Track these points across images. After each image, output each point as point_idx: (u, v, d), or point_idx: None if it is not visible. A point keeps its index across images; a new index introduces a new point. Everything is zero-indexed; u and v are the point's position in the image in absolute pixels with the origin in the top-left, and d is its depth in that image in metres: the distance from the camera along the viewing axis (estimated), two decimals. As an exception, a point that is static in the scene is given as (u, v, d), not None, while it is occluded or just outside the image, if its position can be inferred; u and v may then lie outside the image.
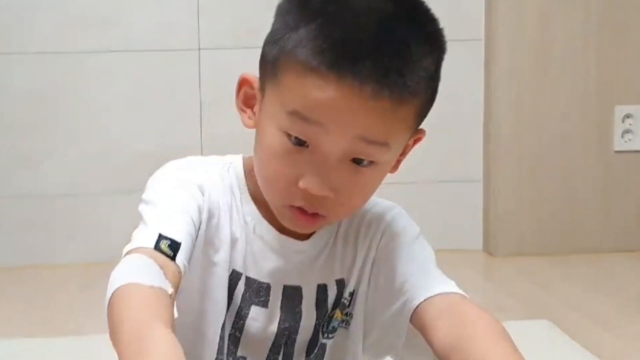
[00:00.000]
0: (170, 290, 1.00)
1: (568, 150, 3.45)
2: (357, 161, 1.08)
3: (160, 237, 1.07)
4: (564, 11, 3.40)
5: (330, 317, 1.21)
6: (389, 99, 1.05)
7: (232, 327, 1.18)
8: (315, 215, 1.12)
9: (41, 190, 3.45)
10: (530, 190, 3.46)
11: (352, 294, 1.21)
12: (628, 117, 3.46)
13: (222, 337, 1.17)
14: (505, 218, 3.43)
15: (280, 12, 1.13)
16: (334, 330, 1.21)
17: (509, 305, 2.74)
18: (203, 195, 1.16)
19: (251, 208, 1.20)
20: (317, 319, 1.21)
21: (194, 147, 3.25)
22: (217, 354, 1.16)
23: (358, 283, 1.21)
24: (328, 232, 1.21)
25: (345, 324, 1.22)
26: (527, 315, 2.64)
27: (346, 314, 1.21)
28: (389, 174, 1.16)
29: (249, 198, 1.20)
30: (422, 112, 1.14)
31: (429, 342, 1.12)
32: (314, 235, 1.21)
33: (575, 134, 3.45)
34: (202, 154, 2.71)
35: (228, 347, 1.18)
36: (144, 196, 1.16)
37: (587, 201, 3.47)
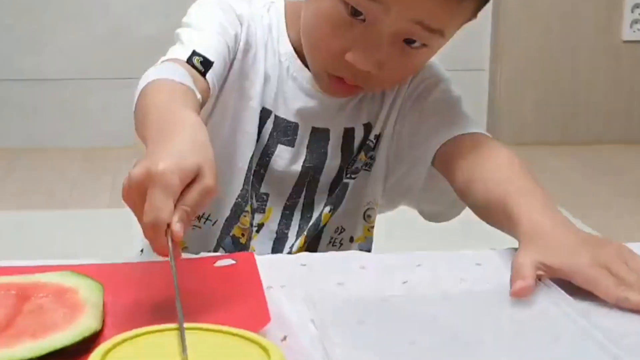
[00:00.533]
0: (199, 96, 1.02)
1: (575, 40, 3.43)
2: (408, 41, 1.07)
3: (194, 53, 1.09)
4: None
5: (355, 159, 1.23)
6: None
7: (257, 164, 1.20)
8: (354, 86, 1.12)
9: (44, 74, 3.43)
10: (535, 80, 3.45)
11: (377, 137, 1.23)
12: (637, 6, 3.43)
13: (249, 169, 1.19)
14: (509, 107, 3.43)
15: None
16: (357, 171, 1.23)
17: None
18: (242, 25, 1.17)
19: (287, 49, 1.20)
20: (342, 161, 1.23)
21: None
22: (244, 184, 1.19)
23: (384, 126, 1.22)
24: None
25: (368, 167, 1.24)
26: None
27: (370, 157, 1.23)
28: None
29: (287, 40, 1.20)
30: (481, 6, 1.13)
31: (450, 181, 1.14)
32: None
33: (583, 24, 3.43)
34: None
35: (252, 184, 1.20)
36: (183, 19, 1.18)
37: (592, 91, 3.47)
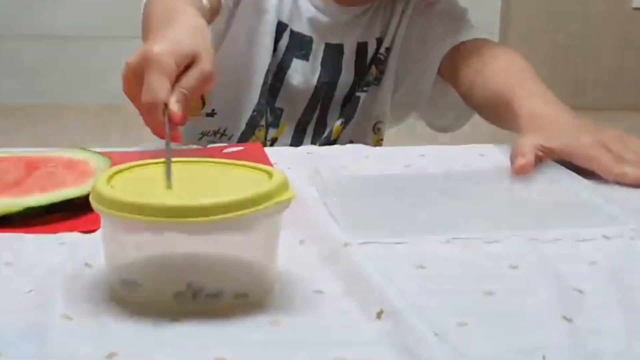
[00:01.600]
0: (205, 1, 1.03)
1: (585, 6, 3.42)
2: None
3: None
4: None
5: (367, 73, 1.24)
6: None
7: (273, 78, 1.21)
8: None
9: (52, 30, 3.44)
10: (545, 45, 3.45)
11: (387, 50, 1.24)
12: (648, -27, 3.43)
13: (265, 83, 1.20)
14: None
15: None
16: (369, 84, 1.24)
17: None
18: None
19: None
20: (355, 75, 1.24)
21: None
22: (260, 98, 1.20)
23: (393, 39, 1.24)
24: None
25: (377, 80, 1.25)
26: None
27: (380, 70, 1.24)
28: None
29: None
30: None
31: (455, 87, 1.16)
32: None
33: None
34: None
35: (267, 98, 1.22)
36: None
37: (602, 58, 3.47)
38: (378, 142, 1.28)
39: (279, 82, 1.23)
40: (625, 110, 3.45)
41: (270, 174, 0.61)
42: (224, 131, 1.24)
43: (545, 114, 0.97)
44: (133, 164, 0.63)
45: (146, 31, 0.97)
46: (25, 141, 3.14)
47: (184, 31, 0.87)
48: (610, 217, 0.75)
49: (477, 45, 1.17)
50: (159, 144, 0.91)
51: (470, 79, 1.13)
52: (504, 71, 1.10)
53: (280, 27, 1.22)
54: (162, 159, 0.63)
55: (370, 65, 1.25)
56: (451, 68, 1.18)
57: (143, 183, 0.61)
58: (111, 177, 0.61)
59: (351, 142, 1.26)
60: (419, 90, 1.25)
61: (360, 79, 1.25)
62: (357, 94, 1.25)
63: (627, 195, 0.84)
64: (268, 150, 0.98)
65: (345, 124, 1.25)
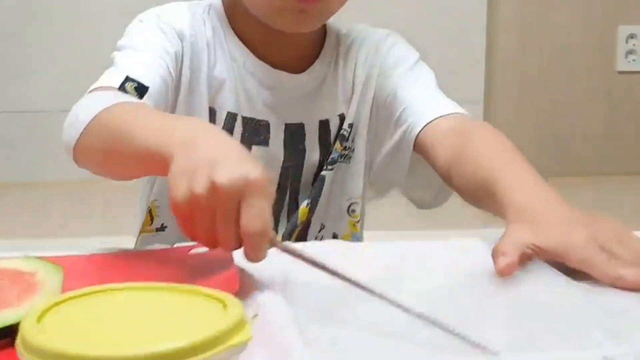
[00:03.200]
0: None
1: (570, 71, 3.40)
2: None
3: (127, 78, 1.02)
4: None
5: (331, 150, 1.18)
6: None
7: None
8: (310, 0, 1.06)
9: (31, 105, 3.39)
10: (531, 111, 3.42)
11: (351, 126, 1.18)
12: (632, 37, 3.41)
13: None
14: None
15: None
16: (334, 162, 1.18)
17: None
18: (182, 41, 1.11)
19: (238, 45, 1.15)
20: (320, 155, 1.18)
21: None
22: None
23: (358, 114, 1.18)
24: (325, 63, 1.18)
25: (346, 158, 1.19)
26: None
27: (345, 147, 1.18)
28: None
29: (234, 36, 1.15)
30: None
31: (433, 165, 1.10)
32: (310, 68, 1.17)
33: (577, 54, 3.40)
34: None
35: None
36: (119, 42, 1.11)
37: (589, 123, 3.43)
38: (354, 226, 1.21)
39: None
40: (612, 175, 3.41)
41: (225, 305, 0.53)
42: None
43: (534, 206, 0.89)
44: (69, 296, 0.56)
45: (125, 147, 0.87)
46: (1, 220, 3.07)
47: (236, 150, 0.79)
48: (610, 333, 0.68)
49: (454, 124, 1.10)
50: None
51: (449, 160, 1.06)
52: (486, 152, 1.02)
53: (230, 118, 1.14)
54: (102, 287, 0.56)
55: (334, 143, 1.19)
56: (427, 147, 1.11)
57: (79, 320, 0.53)
58: (46, 311, 0.53)
59: (323, 226, 1.19)
60: (395, 166, 1.18)
61: (326, 158, 1.19)
62: (323, 173, 1.18)
63: (626, 301, 0.77)
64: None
65: (311, 205, 1.18)
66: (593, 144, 3.44)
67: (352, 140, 1.20)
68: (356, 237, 1.23)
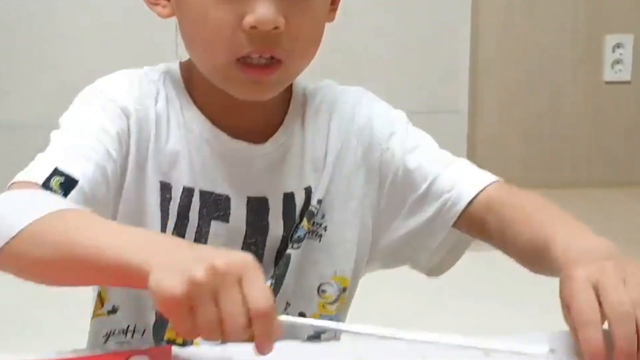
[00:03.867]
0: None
1: (556, 81, 3.38)
2: None
3: (55, 171, 0.97)
4: None
5: (297, 227, 1.10)
6: None
7: None
8: (269, 65, 1.01)
9: (10, 121, 3.36)
10: (516, 122, 3.40)
11: (320, 202, 1.11)
12: (619, 46, 3.38)
13: None
14: (490, 150, 3.37)
15: None
16: (300, 240, 1.10)
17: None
18: (128, 118, 1.05)
19: (196, 114, 1.08)
20: (284, 231, 1.10)
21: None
22: None
23: (330, 189, 1.11)
24: (290, 130, 1.11)
25: (315, 235, 1.12)
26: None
27: (314, 223, 1.11)
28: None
29: (192, 105, 1.09)
30: None
31: (479, 236, 1.09)
32: (272, 137, 1.10)
33: (563, 64, 3.38)
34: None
35: None
36: (60, 119, 1.06)
37: (575, 133, 3.41)
38: (324, 307, 1.14)
39: None
40: (598, 186, 3.39)
41: None
42: (134, 328, 1.09)
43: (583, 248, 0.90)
44: None
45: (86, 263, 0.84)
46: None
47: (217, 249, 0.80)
48: None
49: (496, 197, 1.09)
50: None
51: (500, 230, 1.05)
52: (538, 215, 1.02)
53: (187, 193, 1.07)
54: None
55: (300, 219, 1.11)
56: (475, 220, 1.09)
57: None
58: None
59: (288, 304, 1.12)
60: (420, 243, 1.14)
61: (291, 234, 1.11)
62: (288, 251, 1.11)
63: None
64: (182, 352, 0.86)
65: (276, 285, 1.10)
66: (580, 155, 3.42)
67: (323, 217, 1.12)
68: (329, 319, 1.14)
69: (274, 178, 1.10)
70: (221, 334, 0.73)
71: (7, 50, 3.31)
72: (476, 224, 1.09)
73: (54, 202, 0.92)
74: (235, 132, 1.09)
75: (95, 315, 1.13)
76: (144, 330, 1.09)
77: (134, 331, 1.09)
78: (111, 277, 0.85)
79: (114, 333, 1.10)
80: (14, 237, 0.87)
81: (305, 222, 1.11)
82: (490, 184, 1.10)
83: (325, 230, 1.12)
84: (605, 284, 0.81)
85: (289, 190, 1.11)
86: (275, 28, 0.98)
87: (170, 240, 0.82)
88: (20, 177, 0.98)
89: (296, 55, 1.03)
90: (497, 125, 3.40)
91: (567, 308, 0.83)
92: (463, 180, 1.10)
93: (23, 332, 2.32)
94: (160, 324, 1.08)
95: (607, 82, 3.40)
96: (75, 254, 0.84)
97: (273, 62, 1.01)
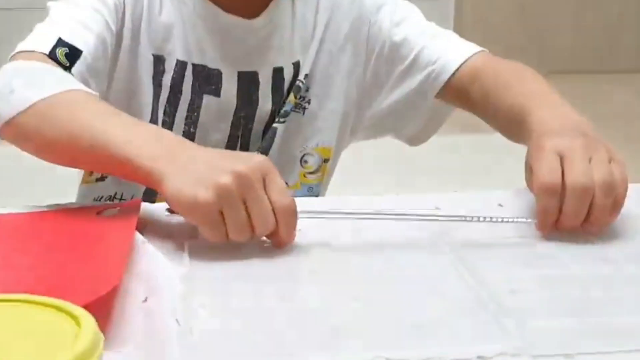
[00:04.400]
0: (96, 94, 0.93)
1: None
2: None
3: (59, 42, 0.97)
4: None
5: (284, 102, 1.12)
6: None
7: (185, 123, 1.10)
8: None
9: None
10: (500, 10, 3.40)
11: (307, 76, 1.13)
12: None
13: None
14: (478, 33, 3.37)
15: None
16: (287, 114, 1.13)
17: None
18: None
19: None
20: (272, 105, 1.12)
21: None
22: None
23: (316, 64, 1.13)
24: (281, 5, 1.11)
25: (299, 108, 1.14)
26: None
27: (301, 97, 1.13)
28: None
29: None
30: None
31: (463, 107, 1.13)
32: (264, 12, 1.11)
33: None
34: None
35: None
36: None
37: (558, 20, 3.42)
38: (305, 176, 1.18)
39: (192, 125, 1.11)
40: (582, 73, 3.42)
41: (79, 322, 0.51)
42: (121, 196, 1.12)
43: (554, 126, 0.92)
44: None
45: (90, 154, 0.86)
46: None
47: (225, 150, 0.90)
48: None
49: (479, 67, 1.11)
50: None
51: (482, 95, 1.07)
52: (517, 86, 1.05)
53: (180, 66, 1.09)
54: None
55: (288, 93, 1.14)
56: (459, 90, 1.12)
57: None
58: None
59: None
60: (406, 113, 1.17)
61: (279, 109, 1.14)
62: (275, 125, 1.14)
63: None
64: (149, 208, 0.89)
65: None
66: (563, 42, 3.43)
67: (307, 90, 1.15)
68: (309, 187, 1.20)
69: (264, 53, 1.11)
70: (251, 233, 0.78)
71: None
72: (461, 93, 1.12)
73: (63, 78, 0.93)
74: (229, 6, 1.09)
75: (84, 181, 1.15)
76: (132, 197, 1.12)
77: (121, 198, 1.12)
78: (117, 172, 0.88)
79: (101, 199, 1.13)
80: (23, 112, 0.89)
81: (292, 96, 1.13)
82: (475, 54, 1.12)
83: (309, 104, 1.15)
84: (570, 158, 0.83)
85: (278, 65, 1.12)
86: None
87: (176, 141, 0.84)
88: (23, 46, 0.98)
89: None
90: (482, 12, 3.40)
91: (530, 171, 0.86)
92: (448, 51, 1.13)
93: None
94: (151, 191, 1.10)
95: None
96: (83, 142, 0.86)
97: None
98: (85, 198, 1.15)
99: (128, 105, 1.08)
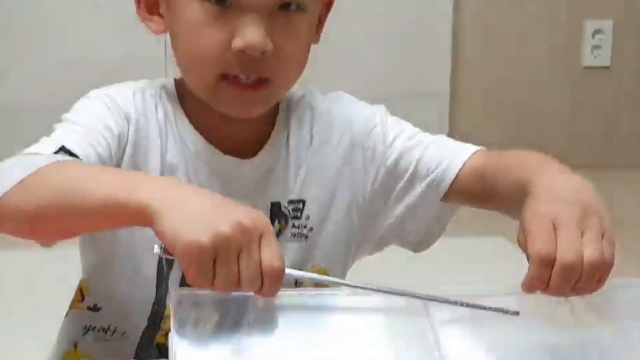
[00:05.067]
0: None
1: (536, 65, 3.42)
2: (284, 7, 1.04)
3: (62, 148, 1.00)
4: None
5: (282, 231, 1.14)
6: None
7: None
8: (256, 84, 1.05)
9: (4, 102, 3.38)
10: (496, 105, 3.44)
11: (304, 207, 1.15)
12: (598, 32, 3.42)
13: (161, 270, 1.08)
14: (470, 133, 3.41)
15: None
16: (285, 243, 1.12)
17: (466, 220, 2.71)
18: (129, 123, 1.09)
19: (190, 129, 1.12)
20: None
21: (157, 59, 3.18)
22: (157, 290, 1.08)
23: (312, 195, 1.15)
24: (276, 146, 1.15)
25: (301, 236, 1.15)
26: (485, 231, 2.61)
27: (300, 226, 1.14)
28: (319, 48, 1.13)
29: (186, 119, 1.13)
30: None
31: (468, 204, 1.14)
32: (260, 152, 1.14)
33: (543, 49, 3.41)
34: (165, 64, 2.66)
35: (169, 281, 1.09)
36: (63, 115, 1.10)
37: (554, 117, 3.45)
38: None
39: None
40: (576, 168, 3.43)
41: None
42: (114, 329, 1.12)
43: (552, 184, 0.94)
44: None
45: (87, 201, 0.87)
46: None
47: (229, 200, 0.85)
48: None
49: (480, 166, 1.12)
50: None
51: (488, 189, 1.09)
52: (518, 164, 1.06)
53: None
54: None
55: (286, 224, 1.16)
56: (459, 195, 1.14)
57: None
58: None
59: None
60: (413, 221, 1.18)
61: (277, 237, 1.15)
62: None
63: None
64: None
65: None
66: (559, 139, 3.47)
67: (307, 218, 1.16)
68: None
69: (262, 189, 1.14)
70: (235, 289, 0.79)
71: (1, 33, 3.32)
72: (465, 194, 1.13)
73: (53, 157, 0.96)
74: (226, 146, 1.13)
75: (73, 306, 1.15)
76: (124, 332, 1.11)
77: (114, 331, 1.12)
78: (108, 215, 0.87)
79: (93, 329, 1.13)
80: (13, 187, 0.91)
81: (290, 227, 1.15)
82: (473, 153, 1.14)
83: (311, 231, 1.16)
84: (564, 230, 0.85)
85: (276, 200, 1.15)
86: (263, 53, 1.03)
87: (174, 180, 0.87)
88: (26, 150, 1.01)
89: (282, 76, 1.09)
90: (478, 109, 3.44)
91: (523, 232, 0.88)
92: (446, 156, 1.14)
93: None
94: (152, 328, 1.11)
95: (586, 67, 3.44)
96: (72, 195, 0.87)
97: (260, 81, 1.06)
98: (74, 324, 1.14)
99: (130, 240, 1.08)
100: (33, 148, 1.02)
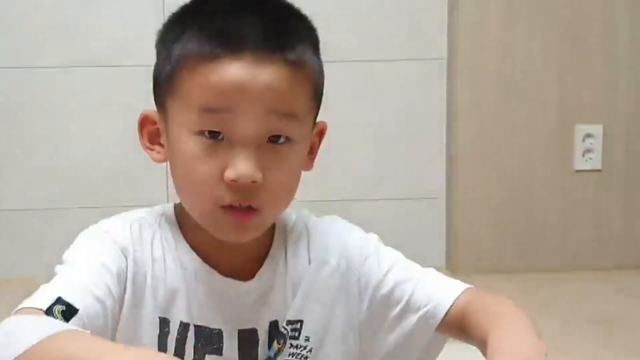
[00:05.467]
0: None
1: (528, 169, 3.46)
2: (273, 140, 1.10)
3: (59, 300, 1.05)
4: (524, 30, 3.41)
5: (281, 351, 1.19)
6: (284, 62, 1.09)
7: None
8: (248, 211, 1.11)
9: (4, 205, 3.40)
10: (491, 208, 3.46)
11: (302, 327, 1.20)
12: (589, 136, 3.47)
13: None
14: (466, 236, 3.44)
15: (161, 39, 1.17)
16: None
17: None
18: (127, 258, 1.15)
19: (189, 253, 1.18)
20: (267, 357, 1.19)
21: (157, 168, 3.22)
22: None
23: (310, 317, 1.20)
24: (272, 268, 1.20)
25: (301, 358, 1.20)
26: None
27: (299, 347, 1.19)
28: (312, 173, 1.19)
29: (186, 245, 1.19)
30: (317, 85, 1.16)
31: (459, 339, 1.19)
32: (258, 273, 1.20)
33: (535, 153, 3.46)
34: (166, 173, 2.69)
35: None
36: (64, 254, 1.15)
37: (547, 220, 3.48)
38: None
39: None
40: (570, 271, 3.45)
41: None
42: None
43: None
44: None
45: None
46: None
47: None
48: None
49: (470, 303, 1.19)
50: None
51: (483, 334, 1.12)
52: (491, 317, 1.13)
53: (183, 327, 1.16)
54: None
55: (283, 345, 1.20)
56: (454, 329, 1.20)
57: None
58: None
59: None
60: (403, 352, 1.23)
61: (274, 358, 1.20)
62: None
63: None
64: None
65: None
66: (551, 242, 3.49)
67: (307, 340, 1.21)
68: None
69: (260, 310, 1.19)
70: None
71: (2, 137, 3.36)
72: (453, 329, 1.20)
73: (55, 324, 0.99)
74: (225, 268, 1.19)
75: None
76: None
77: None
78: None
79: None
80: (19, 356, 0.93)
81: (289, 347, 1.20)
82: (462, 292, 1.21)
83: (311, 352, 1.21)
84: None
85: (273, 319, 1.20)
86: (253, 182, 1.09)
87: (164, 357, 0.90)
88: (25, 304, 1.06)
89: (271, 204, 1.15)
90: (472, 211, 3.47)
91: None
92: (437, 293, 1.21)
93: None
94: None
95: (578, 171, 3.48)
96: None
97: (251, 209, 1.12)
98: None
99: None
100: (32, 298, 1.06)
